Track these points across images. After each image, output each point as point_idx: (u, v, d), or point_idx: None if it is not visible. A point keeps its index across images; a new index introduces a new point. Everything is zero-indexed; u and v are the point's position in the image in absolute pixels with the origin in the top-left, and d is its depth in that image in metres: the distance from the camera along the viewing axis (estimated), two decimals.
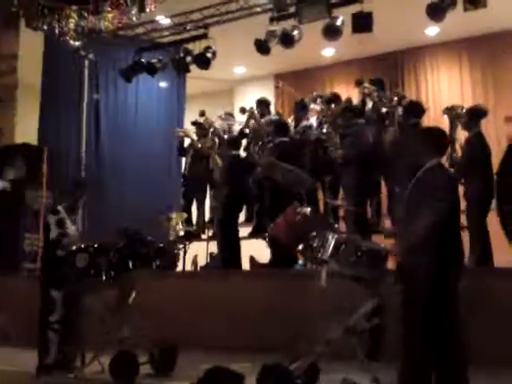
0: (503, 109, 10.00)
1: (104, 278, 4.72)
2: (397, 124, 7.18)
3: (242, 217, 8.54)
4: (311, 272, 6.40)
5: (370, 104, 7.69)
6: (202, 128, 9.09)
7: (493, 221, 6.20)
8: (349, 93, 10.25)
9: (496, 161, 6.34)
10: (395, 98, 7.50)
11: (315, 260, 4.72)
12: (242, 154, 8.37)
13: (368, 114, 7.60)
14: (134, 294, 5.00)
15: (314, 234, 4.36)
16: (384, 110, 7.34)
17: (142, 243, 5.01)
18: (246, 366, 4.52)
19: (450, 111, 7.06)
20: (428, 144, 4.17)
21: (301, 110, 8.32)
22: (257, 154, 8.16)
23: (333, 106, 7.69)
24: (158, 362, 5.05)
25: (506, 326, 5.26)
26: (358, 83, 7.98)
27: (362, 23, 8.05)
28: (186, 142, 9.57)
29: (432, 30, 10.64)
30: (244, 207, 8.37)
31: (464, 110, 6.83)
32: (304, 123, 8.11)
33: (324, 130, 7.71)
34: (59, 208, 5.15)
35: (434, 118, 9.77)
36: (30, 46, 9.72)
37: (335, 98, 8.06)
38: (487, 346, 5.00)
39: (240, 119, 9.13)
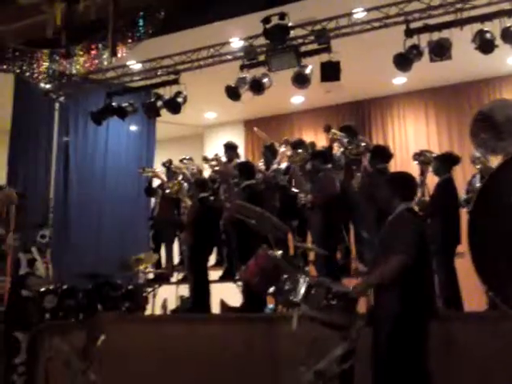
0: (468, 157, 10.27)
1: (72, 320, 4.64)
2: (363, 169, 7.31)
3: (212, 260, 8.51)
4: (282, 315, 6.39)
5: (339, 149, 7.82)
6: (172, 171, 9.10)
7: (463, 264, 6.31)
8: (317, 138, 10.48)
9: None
10: (363, 144, 7.65)
11: (287, 303, 4.72)
12: (210, 197, 8.39)
13: (336, 160, 7.73)
14: (102, 338, 4.90)
15: (286, 276, 4.37)
16: (352, 155, 7.46)
17: (110, 286, 4.95)
18: None
19: (419, 157, 7.23)
20: (395, 189, 4.26)
21: (270, 154, 8.43)
22: (224, 196, 8.19)
23: (299, 150, 7.79)
24: None
25: (474, 372, 5.28)
26: (327, 129, 8.13)
27: (330, 72, 8.25)
28: (155, 182, 9.58)
29: (399, 80, 10.97)
30: (214, 250, 8.34)
31: (434, 155, 7.00)
32: (274, 167, 8.21)
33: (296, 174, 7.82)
34: (32, 249, 5.09)
35: (401, 165, 9.97)
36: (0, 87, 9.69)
37: (300, 142, 8.20)
38: None
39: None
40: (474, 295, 6.53)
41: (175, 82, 9.48)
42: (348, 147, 7.50)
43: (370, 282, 4.18)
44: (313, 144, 8.54)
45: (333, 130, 7.92)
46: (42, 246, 5.27)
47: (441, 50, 7.70)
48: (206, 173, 9.14)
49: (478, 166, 7.25)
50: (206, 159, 8.83)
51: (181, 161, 9.23)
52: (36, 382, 4.85)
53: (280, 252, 4.88)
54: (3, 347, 4.87)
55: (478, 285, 6.02)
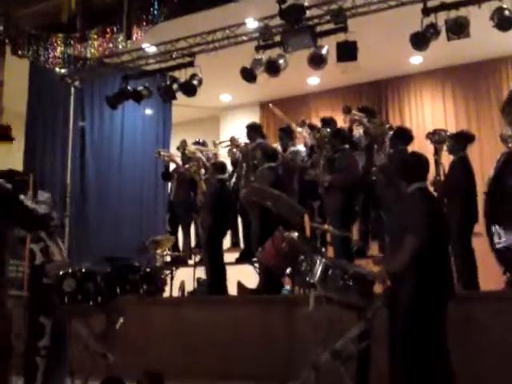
0: (486, 136, 10.17)
1: (91, 303, 4.67)
2: (386, 150, 7.25)
3: (228, 242, 8.55)
4: (299, 297, 6.42)
5: (360, 130, 7.75)
6: (185, 155, 9.12)
7: (480, 244, 6.27)
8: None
9: (480, 186, 6.44)
10: (387, 126, 7.59)
11: (303, 284, 4.74)
12: (227, 179, 8.41)
13: (357, 141, 7.66)
14: (121, 320, 4.94)
15: (302, 257, 4.37)
16: (376, 134, 7.40)
17: (129, 269, 4.97)
18: None
19: (433, 136, 7.16)
20: (407, 170, 4.23)
21: (287, 136, 8.39)
22: (242, 178, 8.19)
23: (327, 130, 7.74)
24: None
25: (493, 353, 5.27)
26: (347, 110, 8.06)
27: (347, 52, 8.16)
28: (172, 166, 9.60)
29: (416, 59, 10.82)
30: (230, 232, 8.38)
31: (448, 134, 6.92)
32: (291, 149, 8.18)
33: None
34: (42, 235, 5.09)
35: (419, 145, 9.86)
36: (15, 73, 9.73)
37: (329, 121, 8.14)
38: (474, 373, 5.00)
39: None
40: (491, 275, 6.48)
41: (190, 64, 9.46)
42: (371, 126, 7.44)
43: (391, 270, 4.13)
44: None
45: (353, 111, 7.86)
46: (53, 229, 5.27)
47: (458, 29, 7.59)
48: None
49: (511, 145, 7.13)
50: (214, 144, 8.86)
51: (196, 143, 9.23)
52: (58, 365, 4.91)
53: (297, 234, 4.88)
54: (28, 332, 4.91)
55: (495, 264, 6.02)
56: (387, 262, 4.21)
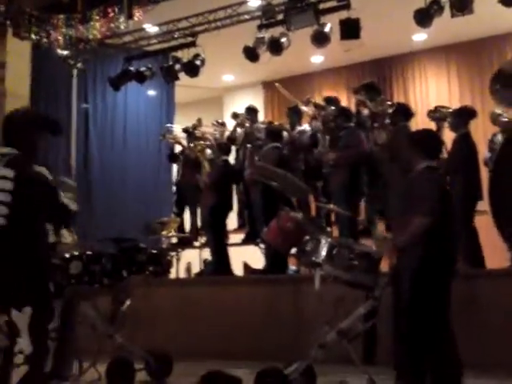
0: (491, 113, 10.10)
1: (98, 285, 4.69)
2: (386, 127, 7.21)
3: (234, 223, 8.56)
4: (305, 276, 6.43)
5: (365, 111, 7.72)
6: (193, 136, 9.10)
7: (484, 221, 6.27)
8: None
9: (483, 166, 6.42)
10: (387, 102, 7.55)
11: (309, 264, 4.74)
12: (231, 160, 8.40)
13: (363, 120, 7.62)
14: (128, 301, 4.97)
15: (308, 237, 4.37)
16: (376, 113, 7.37)
17: (135, 250, 4.99)
18: (242, 371, 4.52)
19: (434, 113, 7.11)
20: (416, 147, 4.19)
21: (295, 115, 8.36)
22: (245, 158, 8.18)
23: (331, 108, 7.71)
24: (153, 368, 5.02)
25: (498, 329, 5.29)
26: (356, 91, 8.00)
27: (350, 30, 8.08)
28: (177, 148, 9.59)
29: (420, 37, 10.73)
30: (236, 214, 8.39)
31: (449, 111, 6.87)
32: (298, 128, 8.16)
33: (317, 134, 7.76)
34: None
35: (423, 123, 9.81)
36: (17, 55, 9.68)
37: (332, 100, 8.10)
38: (480, 349, 5.02)
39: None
40: (495, 253, 6.49)
41: (192, 44, 9.39)
42: (372, 105, 7.41)
43: (399, 244, 4.13)
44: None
45: (360, 95, 7.79)
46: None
47: (462, 5, 7.50)
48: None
49: (502, 121, 7.09)
50: (235, 115, 8.82)
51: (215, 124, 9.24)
52: (67, 347, 4.95)
53: (302, 213, 4.87)
54: None
55: (500, 242, 6.01)
56: (395, 238, 4.18)
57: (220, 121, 9.41)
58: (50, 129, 3.65)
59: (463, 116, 6.50)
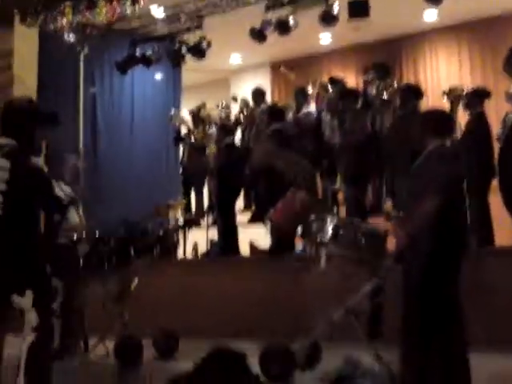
0: (503, 93, 9.99)
1: (106, 265, 4.74)
2: (395, 108, 7.17)
3: (241, 204, 8.57)
4: (311, 256, 6.44)
5: (373, 91, 7.67)
6: (198, 118, 9.11)
7: (494, 200, 6.23)
8: (346, 80, 10.25)
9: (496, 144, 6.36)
10: (395, 85, 7.50)
11: (315, 243, 4.74)
12: (237, 141, 8.40)
13: (371, 100, 7.57)
14: (135, 282, 5.02)
15: (313, 217, 4.37)
16: (385, 95, 7.32)
17: (142, 232, 5.03)
18: (249, 347, 4.53)
19: (449, 93, 7.06)
20: (428, 126, 4.14)
21: (302, 96, 8.33)
22: (251, 141, 8.18)
23: (331, 90, 7.68)
24: (160, 345, 5.08)
25: (506, 308, 5.27)
26: (366, 71, 7.94)
27: (359, 8, 7.98)
28: (183, 130, 9.61)
29: (430, 15, 10.56)
30: (242, 194, 8.40)
31: (464, 92, 6.82)
32: (304, 110, 8.13)
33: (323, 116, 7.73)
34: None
35: (433, 104, 9.73)
36: (24, 42, 9.69)
37: (337, 81, 8.05)
38: (488, 328, 5.01)
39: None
40: (507, 231, 6.45)
41: (199, 27, 9.35)
42: (379, 86, 7.36)
43: (412, 231, 4.07)
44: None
45: (370, 74, 7.74)
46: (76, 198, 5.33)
47: None
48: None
49: None
50: (235, 98, 8.81)
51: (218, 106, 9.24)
52: (74, 325, 5.02)
53: (308, 194, 4.87)
54: None
55: (509, 219, 5.98)
56: (406, 222, 4.12)
57: (224, 103, 9.38)
58: (48, 121, 3.72)
59: (478, 96, 6.50)
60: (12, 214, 3.26)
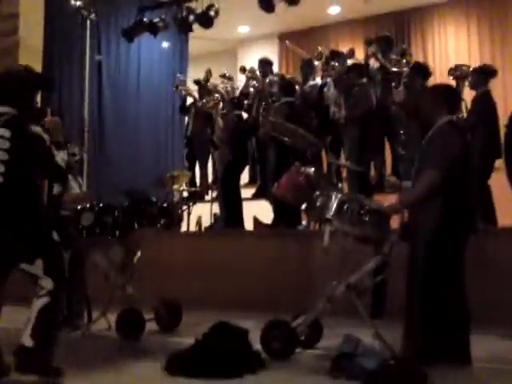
0: (510, 70, 9.89)
1: (109, 236, 4.73)
2: (404, 85, 7.11)
3: (245, 178, 8.55)
4: (314, 232, 6.45)
5: (375, 64, 7.59)
6: (204, 88, 9.02)
7: (497, 180, 6.20)
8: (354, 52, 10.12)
9: (502, 121, 6.29)
10: (404, 61, 7.42)
11: (319, 219, 4.73)
12: (244, 114, 8.33)
13: (373, 74, 7.51)
14: (139, 253, 5.02)
15: (318, 193, 4.35)
16: (392, 70, 7.25)
17: (146, 203, 5.01)
18: (250, 322, 4.58)
19: (455, 71, 6.98)
20: (438, 101, 4.11)
21: (308, 68, 8.25)
22: (260, 114, 8.11)
23: (335, 64, 7.59)
24: (163, 318, 5.11)
25: (508, 286, 5.29)
26: (368, 43, 7.85)
27: None
28: (189, 100, 9.53)
29: None
30: (247, 168, 8.37)
31: (470, 69, 6.75)
32: (310, 83, 8.05)
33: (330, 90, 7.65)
34: None
35: (440, 78, 9.65)
36: (30, 6, 9.57)
37: (337, 54, 7.97)
38: (490, 307, 5.03)
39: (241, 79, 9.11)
40: (509, 210, 6.44)
41: None
42: (387, 64, 7.28)
43: (406, 202, 4.12)
44: (352, 51, 8.29)
45: (372, 47, 7.64)
46: (73, 165, 5.30)
47: None
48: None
49: None
50: (243, 69, 8.73)
51: (222, 76, 9.14)
52: (78, 296, 5.05)
53: (312, 169, 4.84)
54: None
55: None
56: (404, 194, 4.15)
57: (227, 74, 9.29)
58: (45, 87, 3.70)
59: (484, 74, 6.43)
60: (14, 183, 3.27)
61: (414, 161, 4.17)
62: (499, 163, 6.20)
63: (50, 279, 3.25)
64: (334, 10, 11.48)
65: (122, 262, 5.00)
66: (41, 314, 3.22)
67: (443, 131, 3.99)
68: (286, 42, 9.33)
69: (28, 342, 3.19)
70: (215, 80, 9.36)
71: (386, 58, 7.31)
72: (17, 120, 3.35)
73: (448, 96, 4.20)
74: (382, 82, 7.37)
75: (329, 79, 7.76)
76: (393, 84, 7.29)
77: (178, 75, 10.15)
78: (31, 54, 10.08)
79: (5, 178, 3.24)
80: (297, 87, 7.99)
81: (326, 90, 7.77)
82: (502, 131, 6.14)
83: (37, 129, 3.45)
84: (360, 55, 8.94)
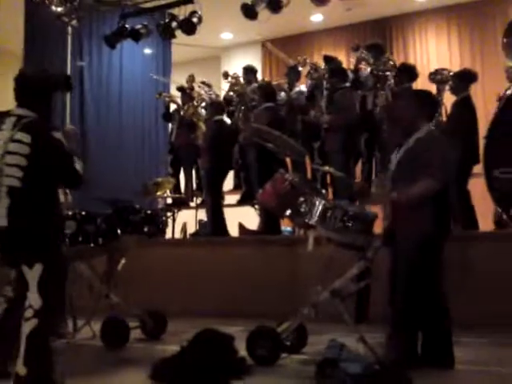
0: (490, 75, 10.00)
1: (92, 244, 4.70)
2: (388, 88, 7.15)
3: (230, 184, 8.55)
4: (299, 238, 6.46)
5: (367, 69, 7.62)
6: (187, 95, 9.02)
7: (478, 185, 6.27)
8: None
9: (482, 126, 6.36)
10: (391, 63, 7.46)
11: (303, 225, 4.75)
12: (227, 119, 8.34)
13: (363, 80, 7.53)
14: (122, 261, 4.99)
15: (302, 199, 4.36)
16: (379, 71, 7.28)
17: (130, 210, 4.99)
18: (236, 329, 4.58)
19: (436, 75, 7.04)
20: (421, 107, 4.14)
21: (294, 74, 8.28)
22: (240, 120, 8.13)
23: (325, 69, 7.64)
24: (148, 326, 5.08)
25: (490, 289, 5.34)
26: (356, 48, 7.89)
27: None
28: (172, 107, 9.52)
29: None
30: (232, 174, 8.37)
31: (451, 74, 6.80)
32: (296, 89, 8.09)
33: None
34: None
35: (422, 85, 9.72)
36: (10, 11, 9.50)
37: (333, 59, 8.01)
38: (472, 311, 5.08)
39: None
40: (489, 215, 6.52)
41: (190, 1, 9.18)
42: (374, 64, 7.32)
43: (398, 197, 4.11)
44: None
45: (360, 50, 7.69)
46: None
47: None
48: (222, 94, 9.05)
49: None
50: (226, 75, 8.74)
51: (202, 83, 9.16)
52: (61, 305, 4.99)
53: (297, 175, 4.86)
54: None
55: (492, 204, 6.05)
56: (398, 192, 4.10)
57: (207, 81, 9.29)
58: (63, 87, 3.63)
59: (464, 79, 6.47)
60: (31, 189, 3.21)
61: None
62: (478, 169, 6.28)
63: (39, 296, 3.17)
64: (317, 18, 11.54)
65: (106, 270, 4.97)
66: (30, 339, 3.14)
67: (435, 139, 4.02)
68: (268, 43, 9.34)
69: (22, 370, 3.12)
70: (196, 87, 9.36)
71: (377, 64, 7.34)
72: (38, 124, 3.27)
73: (429, 103, 4.24)
74: (374, 88, 7.36)
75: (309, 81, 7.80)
76: (378, 86, 7.32)
77: (156, 77, 10.08)
78: (12, 60, 10.02)
79: (22, 183, 3.19)
80: (283, 94, 8.01)
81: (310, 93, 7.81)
82: (481, 140, 6.22)
83: (58, 134, 3.40)
84: (343, 62, 8.98)
